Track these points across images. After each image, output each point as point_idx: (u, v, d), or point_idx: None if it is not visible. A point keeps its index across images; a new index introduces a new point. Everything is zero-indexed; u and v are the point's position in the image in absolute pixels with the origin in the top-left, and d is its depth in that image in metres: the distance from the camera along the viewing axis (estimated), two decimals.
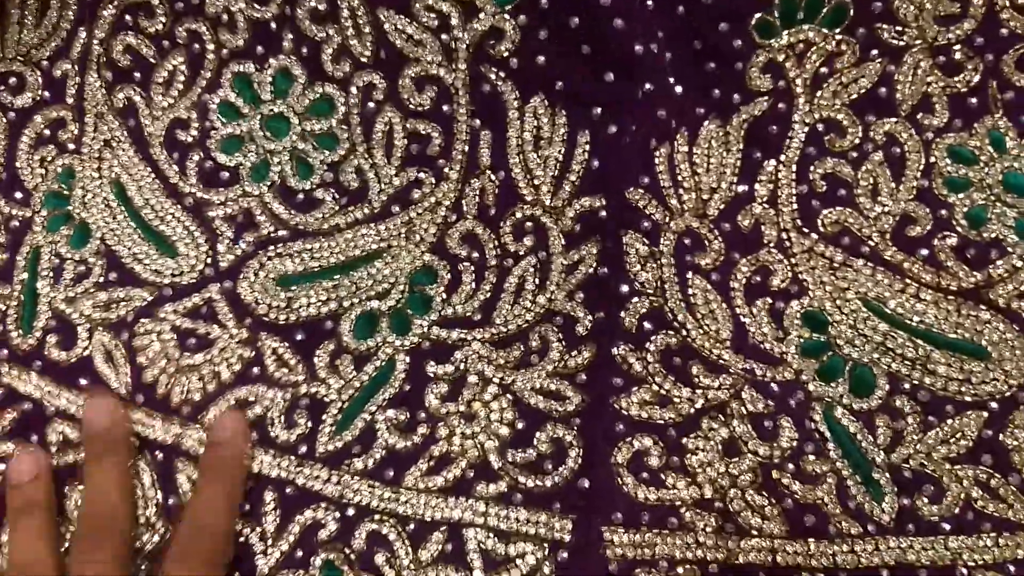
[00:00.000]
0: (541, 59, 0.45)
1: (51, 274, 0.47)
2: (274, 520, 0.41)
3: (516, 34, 0.44)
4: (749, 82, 0.45)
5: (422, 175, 0.46)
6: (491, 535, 0.40)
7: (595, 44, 0.44)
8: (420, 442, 0.42)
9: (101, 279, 0.46)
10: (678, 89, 0.45)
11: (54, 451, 0.44)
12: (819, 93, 0.44)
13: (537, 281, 0.44)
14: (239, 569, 0.41)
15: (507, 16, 0.44)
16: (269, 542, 0.41)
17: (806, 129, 0.44)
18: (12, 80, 0.49)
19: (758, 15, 0.44)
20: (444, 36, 0.45)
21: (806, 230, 0.44)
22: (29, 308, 0.46)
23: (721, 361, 0.42)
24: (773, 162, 0.44)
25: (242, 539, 0.41)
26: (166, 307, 0.45)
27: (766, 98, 0.45)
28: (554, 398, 0.42)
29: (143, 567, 0.41)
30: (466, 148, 0.45)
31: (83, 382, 0.45)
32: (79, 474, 0.43)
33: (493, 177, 0.45)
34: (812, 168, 0.44)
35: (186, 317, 0.45)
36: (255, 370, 0.44)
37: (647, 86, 0.44)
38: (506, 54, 0.45)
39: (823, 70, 0.44)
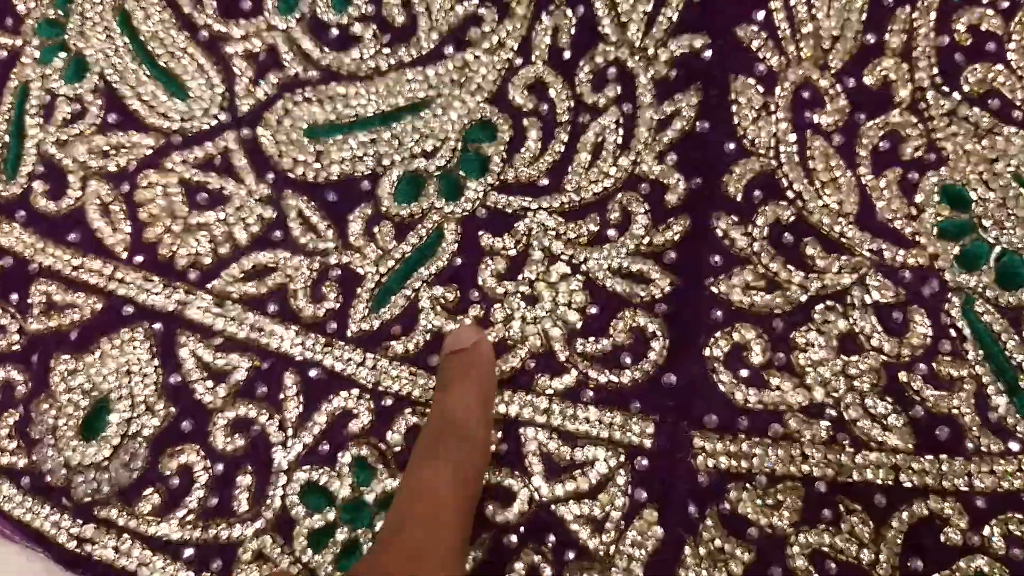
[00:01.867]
0: None
1: (41, 112, 0.38)
2: (296, 407, 0.33)
3: None
4: None
5: (483, 10, 0.36)
6: (554, 436, 0.32)
7: None
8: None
9: (99, 121, 0.37)
10: None
11: (36, 313, 0.35)
12: None
13: (620, 139, 0.34)
14: (253, 461, 0.33)
15: None
16: (290, 432, 0.33)
17: None
18: None
19: None
20: None
21: (946, 89, 0.34)
22: (14, 150, 0.37)
23: (843, 240, 0.33)
24: (907, 8, 0.34)
25: (257, 428, 0.33)
26: (174, 156, 0.36)
27: None
28: (636, 280, 0.33)
29: (142, 453, 0.33)
30: None
31: (73, 237, 0.36)
32: (63, 340, 0.35)
33: (569, 13, 0.36)
34: (954, 17, 0.34)
35: (197, 169, 0.36)
36: (277, 233, 0.35)
37: None
38: None
39: None
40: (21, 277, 0.35)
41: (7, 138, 0.37)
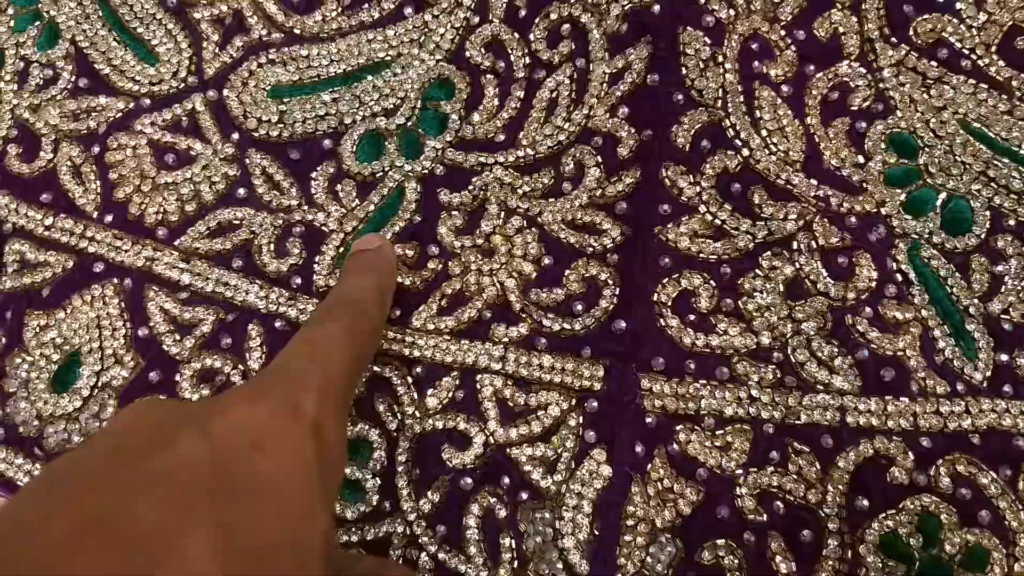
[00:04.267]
0: None
1: (15, 79, 0.36)
2: (260, 357, 0.32)
3: None
4: None
5: None
6: (509, 383, 0.31)
7: None
8: (431, 278, 0.32)
9: (70, 86, 0.36)
10: None
11: (9, 272, 0.34)
12: None
13: (573, 94, 0.33)
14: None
15: None
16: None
17: None
18: None
19: None
20: None
21: (895, 40, 0.32)
22: None
23: (789, 187, 0.31)
24: None
25: (222, 378, 0.32)
26: (143, 119, 0.35)
27: None
28: (588, 231, 0.32)
29: (111, 403, 0.32)
30: None
31: (45, 197, 0.35)
32: (36, 297, 0.33)
33: None
34: None
35: (165, 130, 0.35)
36: (241, 191, 0.34)
37: None
38: None
39: None
40: None
41: None
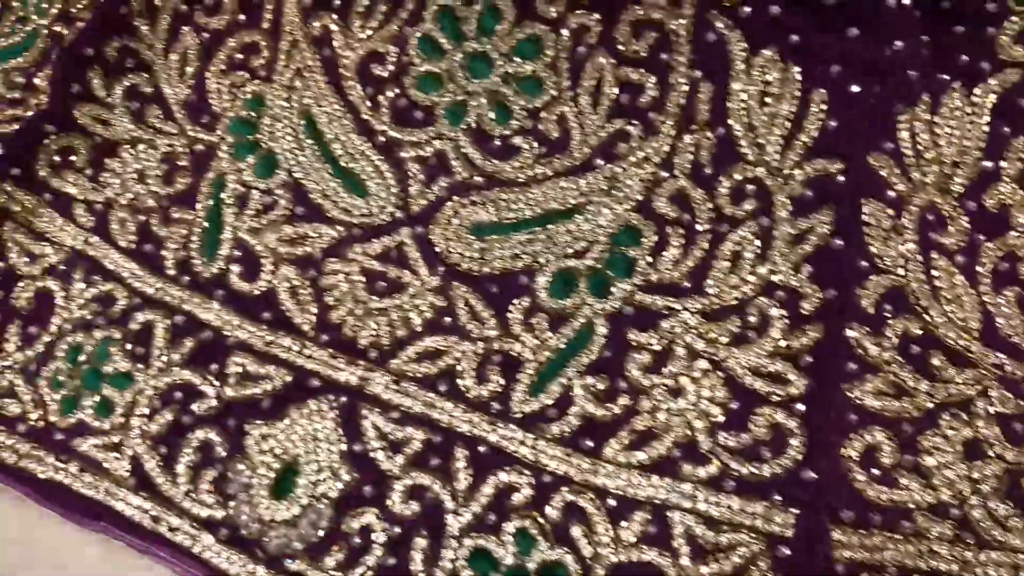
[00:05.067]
0: (775, 9, 0.36)
1: (236, 203, 0.40)
2: (466, 479, 0.34)
3: None
4: (1000, 50, 0.35)
5: (630, 127, 0.37)
6: (700, 521, 0.33)
7: None
8: (621, 414, 0.34)
9: (287, 212, 0.39)
10: (924, 51, 0.35)
11: (232, 382, 0.37)
12: None
13: (758, 250, 0.35)
14: (427, 525, 0.34)
15: None
16: (460, 501, 0.34)
17: None
18: (208, 0, 0.41)
19: None
20: None
21: None
22: (213, 235, 0.40)
23: (967, 354, 0.33)
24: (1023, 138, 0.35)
25: (432, 495, 0.34)
26: (356, 247, 0.38)
27: (1018, 69, 0.35)
28: (773, 380, 0.34)
29: (327, 513, 0.34)
30: (682, 100, 0.37)
31: (266, 315, 0.38)
32: (256, 407, 0.36)
33: (710, 134, 0.37)
34: None
35: (376, 259, 0.38)
36: (446, 320, 0.37)
37: (896, 44, 0.35)
38: (739, 1, 0.36)
39: None
40: (219, 349, 0.37)
41: (206, 224, 0.40)
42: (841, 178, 0.35)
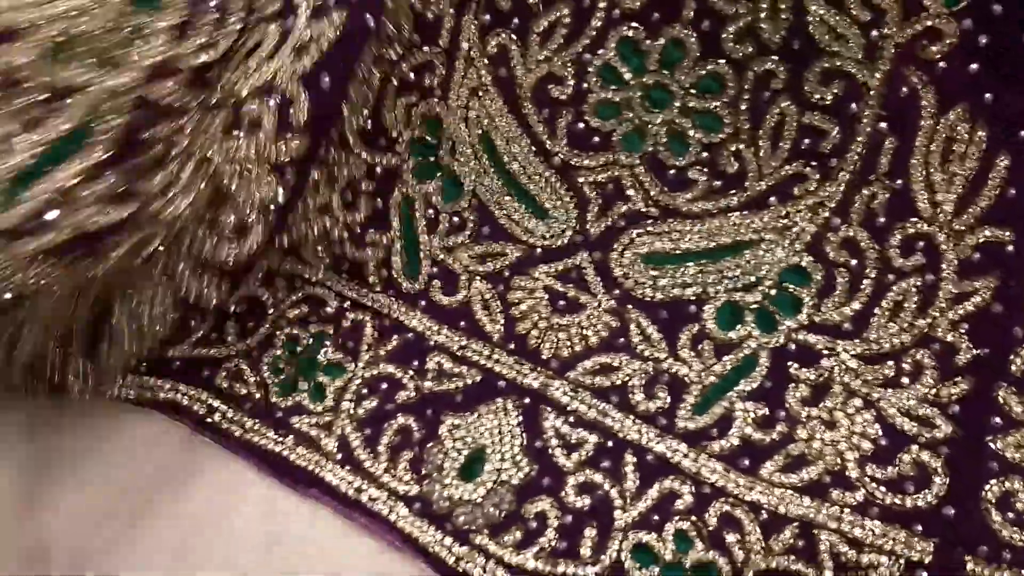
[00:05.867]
0: (974, 67, 0.36)
1: (426, 224, 0.43)
2: (634, 482, 0.39)
3: (955, 38, 0.35)
4: None
5: (807, 170, 0.39)
6: (844, 541, 0.36)
7: None
8: (778, 439, 0.38)
9: (475, 232, 0.43)
10: None
11: (430, 377, 0.42)
12: None
13: (919, 303, 0.38)
14: (596, 517, 0.38)
15: (952, 17, 0.35)
16: (628, 500, 0.38)
17: None
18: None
19: None
20: (873, 32, 0.36)
21: None
22: (412, 255, 0.43)
23: None
24: None
25: (601, 493, 0.39)
26: (540, 267, 0.42)
27: None
28: (922, 423, 0.37)
29: (509, 497, 0.40)
30: (864, 150, 0.38)
31: (463, 324, 0.42)
32: (450, 401, 0.41)
33: (888, 184, 0.38)
34: None
35: (557, 279, 0.41)
36: (620, 340, 0.40)
37: None
38: (937, 56, 0.36)
39: None
40: (420, 349, 0.42)
41: (404, 244, 0.43)
42: (1010, 248, 0.37)
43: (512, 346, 0.41)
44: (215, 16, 0.35)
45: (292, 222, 0.42)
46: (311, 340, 0.43)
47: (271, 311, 0.44)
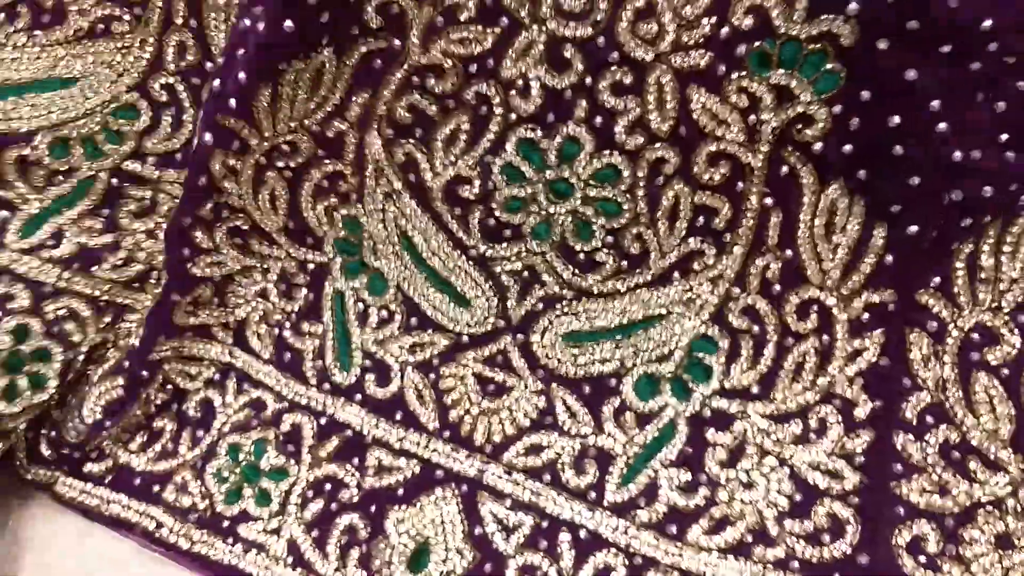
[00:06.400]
0: (848, 148, 0.38)
1: (357, 319, 0.45)
2: (570, 559, 0.40)
3: (828, 123, 0.38)
4: None
5: (704, 246, 0.41)
6: None
7: (910, 144, 0.37)
8: (702, 503, 0.40)
9: (403, 324, 0.44)
10: (987, 191, 0.37)
11: (371, 473, 0.43)
12: None
13: (818, 362, 0.40)
14: None
15: (823, 103, 0.38)
16: None
17: None
18: (284, 147, 0.43)
19: None
20: (751, 117, 0.38)
21: None
22: (344, 347, 0.45)
23: (998, 459, 0.38)
24: None
25: (541, 573, 0.40)
26: (467, 353, 0.43)
27: None
28: (832, 476, 0.39)
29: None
30: (754, 224, 0.40)
31: (398, 416, 0.43)
32: (392, 495, 0.42)
33: (779, 255, 0.40)
34: None
35: (484, 365, 0.43)
36: (548, 418, 0.42)
37: (956, 195, 0.38)
38: (811, 140, 0.38)
39: None
40: (360, 445, 0.43)
41: (336, 336, 0.45)
42: (892, 306, 0.39)
43: (447, 434, 0.43)
44: None
45: (232, 304, 0.44)
46: (252, 447, 0.44)
47: (219, 415, 0.45)
